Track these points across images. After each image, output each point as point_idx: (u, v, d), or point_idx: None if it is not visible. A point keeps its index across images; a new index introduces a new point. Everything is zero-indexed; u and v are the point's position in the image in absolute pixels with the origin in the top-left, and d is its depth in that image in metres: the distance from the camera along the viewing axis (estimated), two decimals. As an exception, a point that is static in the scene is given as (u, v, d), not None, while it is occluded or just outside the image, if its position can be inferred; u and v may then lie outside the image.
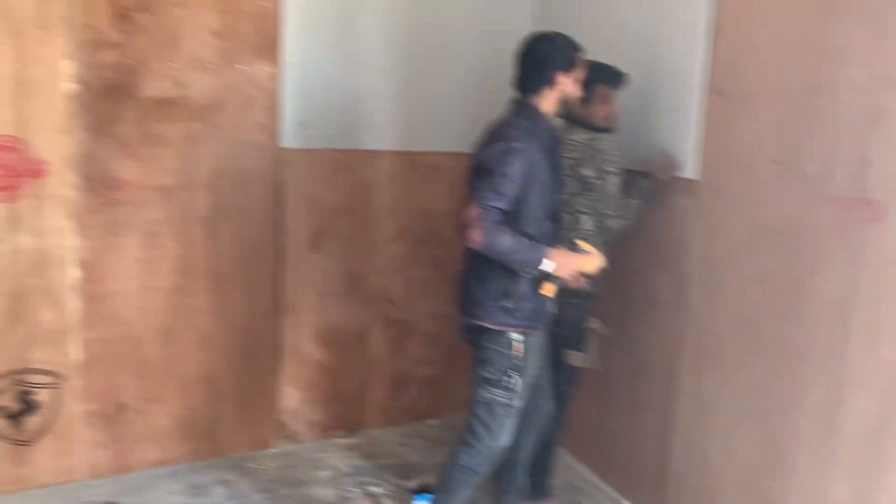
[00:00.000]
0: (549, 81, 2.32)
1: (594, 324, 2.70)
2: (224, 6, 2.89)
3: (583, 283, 2.41)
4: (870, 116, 2.02)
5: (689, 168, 2.65)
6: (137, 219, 2.87)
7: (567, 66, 2.33)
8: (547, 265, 2.25)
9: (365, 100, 3.24)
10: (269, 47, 3.00)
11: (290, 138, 3.10)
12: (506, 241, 2.21)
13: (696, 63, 2.60)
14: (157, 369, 3.01)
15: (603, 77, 2.61)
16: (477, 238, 2.20)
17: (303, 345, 3.30)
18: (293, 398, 3.32)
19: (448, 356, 3.63)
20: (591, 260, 2.34)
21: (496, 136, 2.33)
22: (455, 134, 3.42)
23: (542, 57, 2.32)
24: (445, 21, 3.35)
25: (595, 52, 2.74)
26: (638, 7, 2.89)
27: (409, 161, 3.38)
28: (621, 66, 2.67)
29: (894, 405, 1.98)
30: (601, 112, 2.64)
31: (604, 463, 3.14)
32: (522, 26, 3.42)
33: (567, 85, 2.34)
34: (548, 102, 2.35)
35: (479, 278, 2.38)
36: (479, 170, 2.28)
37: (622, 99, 2.70)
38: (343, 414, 3.46)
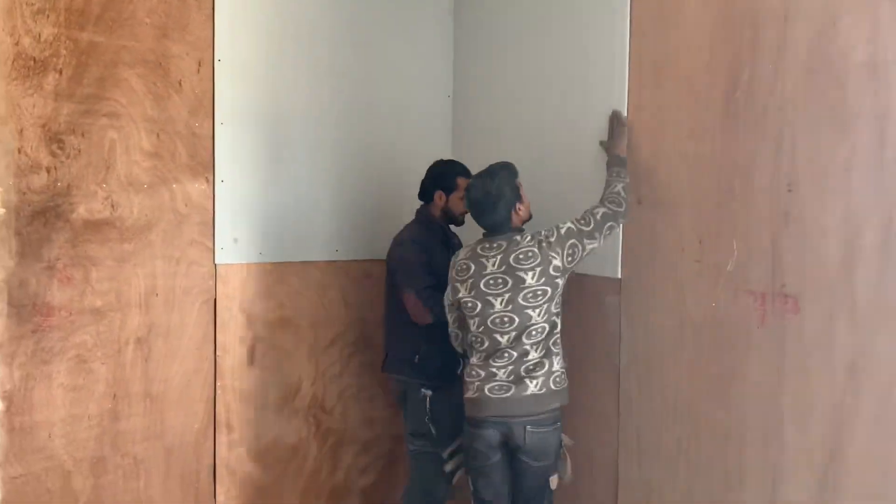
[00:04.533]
0: (432, 198, 3.08)
1: (565, 440, 2.68)
2: (157, 128, 2.92)
3: None
4: (779, 218, 2.28)
5: (613, 268, 2.85)
6: (67, 344, 2.76)
7: (446, 188, 3.05)
8: None
9: (295, 213, 3.31)
10: (202, 166, 3.04)
11: (224, 254, 3.11)
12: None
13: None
14: None
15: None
16: (425, 317, 2.85)
17: (239, 463, 3.21)
18: (231, 521, 3.20)
19: (385, 463, 3.61)
20: None
21: (396, 241, 3.08)
22: (383, 241, 3.52)
23: (430, 176, 3.11)
24: (372, 138, 3.52)
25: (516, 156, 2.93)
26: (559, 114, 3.14)
27: (341, 270, 3.45)
28: (545, 174, 2.91)
29: (829, 481, 2.17)
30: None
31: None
32: (444, 142, 3.69)
33: (448, 202, 3.06)
34: (436, 210, 3.09)
35: (394, 346, 3.09)
36: (395, 271, 2.98)
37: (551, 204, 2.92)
38: (282, 533, 3.36)
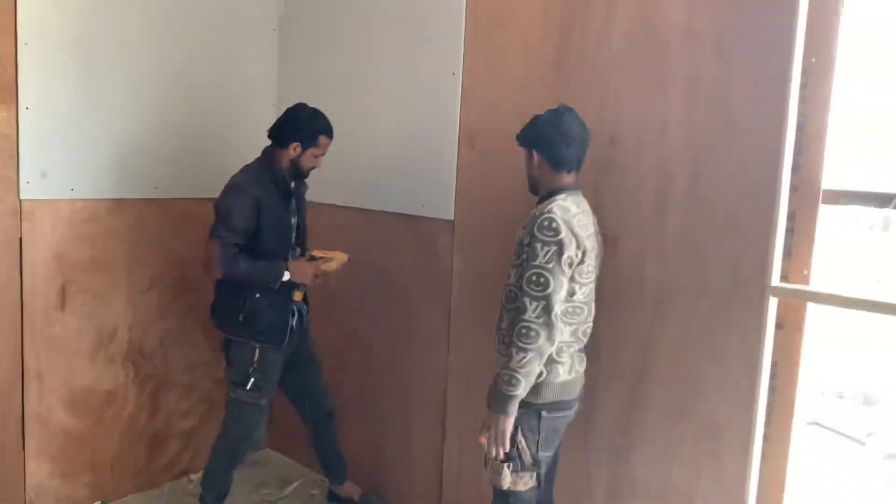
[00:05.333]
0: (285, 145, 2.77)
1: None
2: (-53, 43, 2.58)
3: (328, 282, 2.89)
4: (602, 167, 2.52)
5: (447, 210, 2.98)
6: None
7: (305, 141, 2.77)
8: (286, 276, 2.74)
9: (110, 146, 3.08)
10: (2, 91, 2.73)
11: (30, 189, 2.84)
12: (242, 267, 2.68)
13: (451, 122, 2.94)
14: None
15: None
16: (216, 272, 2.68)
17: (51, 413, 3.00)
18: (41, 473, 3.00)
19: (206, 407, 3.54)
20: (330, 262, 2.86)
21: (228, 185, 2.77)
22: (206, 179, 3.39)
23: (290, 122, 2.77)
24: (194, 68, 3.33)
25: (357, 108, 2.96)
26: (396, 68, 3.17)
27: (159, 208, 3.27)
28: (385, 121, 2.94)
29: (637, 399, 2.48)
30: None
31: (380, 482, 3.34)
32: (269, 73, 3.58)
33: (301, 155, 2.78)
34: (284, 158, 2.80)
35: (220, 300, 2.86)
36: (215, 213, 2.73)
37: (388, 150, 2.96)
38: (98, 483, 3.19)
